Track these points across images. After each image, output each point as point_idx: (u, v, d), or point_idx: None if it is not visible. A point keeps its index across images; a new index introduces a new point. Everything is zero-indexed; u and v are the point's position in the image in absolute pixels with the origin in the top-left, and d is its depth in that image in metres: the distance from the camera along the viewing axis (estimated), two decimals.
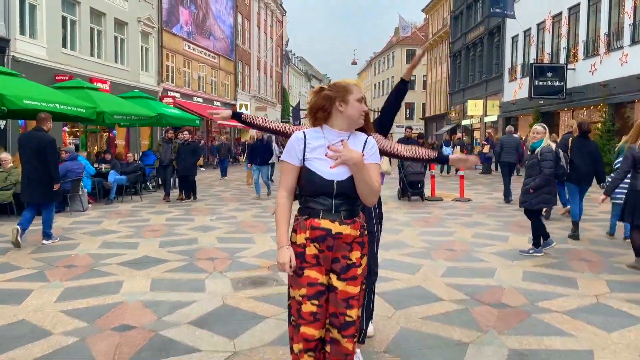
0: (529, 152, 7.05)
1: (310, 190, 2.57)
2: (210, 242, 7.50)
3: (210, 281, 5.45)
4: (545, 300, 4.81)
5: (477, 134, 36.86)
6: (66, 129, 19.01)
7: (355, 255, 2.60)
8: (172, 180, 13.90)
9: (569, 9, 24.32)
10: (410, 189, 12.67)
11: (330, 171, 2.53)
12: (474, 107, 34.50)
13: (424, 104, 56.47)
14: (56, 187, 7.44)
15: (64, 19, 19.41)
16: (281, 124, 3.59)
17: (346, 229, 2.58)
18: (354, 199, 2.60)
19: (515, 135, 14.03)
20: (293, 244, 2.61)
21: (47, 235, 7.55)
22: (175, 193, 13.58)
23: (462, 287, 5.21)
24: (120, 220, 9.55)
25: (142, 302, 4.74)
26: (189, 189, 12.89)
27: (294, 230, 2.63)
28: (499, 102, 32.04)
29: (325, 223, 2.58)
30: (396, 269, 5.88)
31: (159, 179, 14.36)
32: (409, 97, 63.62)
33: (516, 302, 4.73)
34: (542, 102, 25.18)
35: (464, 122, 39.14)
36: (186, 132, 13.35)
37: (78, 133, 20.23)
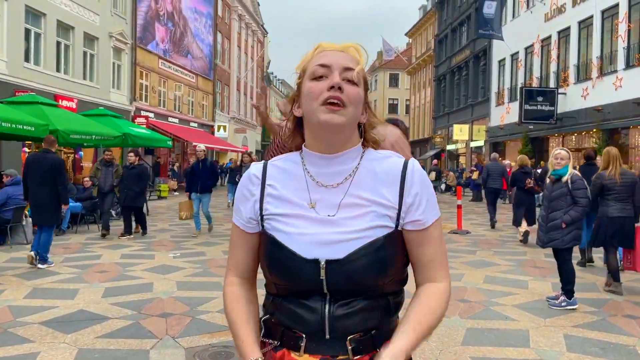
0: (548, 181, 5.88)
1: (278, 282, 1.28)
2: (168, 290, 6.09)
3: (157, 353, 4.06)
4: None
5: (462, 160, 36.01)
6: (26, 149, 17.45)
7: None
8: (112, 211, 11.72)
9: (559, 33, 23.71)
10: None
11: (316, 238, 1.23)
12: (460, 131, 33.67)
13: (407, 128, 55.78)
14: (64, 207, 7.67)
15: (27, 31, 18.00)
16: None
17: None
18: (375, 298, 1.25)
19: (506, 162, 13.45)
20: None
21: (43, 259, 7.30)
22: (118, 227, 10.91)
23: None
24: (65, 258, 8.06)
25: None
26: (130, 222, 10.44)
27: None
28: (486, 127, 31.25)
29: None
30: None
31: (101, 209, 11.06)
32: None
33: None
34: (531, 127, 24.38)
35: (449, 147, 38.33)
36: (131, 154, 10.80)
37: (128, 157, 18.65)
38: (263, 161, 1.38)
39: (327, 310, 1.22)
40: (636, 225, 6.24)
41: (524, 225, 10.10)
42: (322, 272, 1.21)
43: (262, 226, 1.29)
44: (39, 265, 7.20)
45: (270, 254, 1.26)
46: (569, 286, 5.53)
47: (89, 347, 4.17)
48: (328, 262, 1.21)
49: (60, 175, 7.29)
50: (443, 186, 26.80)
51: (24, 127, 9.97)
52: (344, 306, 1.22)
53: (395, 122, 2.79)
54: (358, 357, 1.24)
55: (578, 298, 5.64)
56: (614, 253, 6.29)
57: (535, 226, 9.77)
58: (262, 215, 1.29)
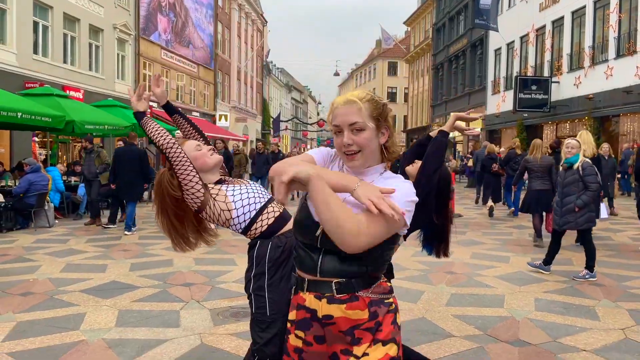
0: (561, 169, 6.51)
1: (296, 226, 1.87)
2: (187, 265, 6.81)
3: (187, 313, 4.77)
4: (568, 335, 4.25)
5: (459, 147, 36.66)
6: (36, 139, 18.09)
7: (361, 349, 1.74)
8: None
9: (553, 22, 24.27)
10: None
11: None
12: None
13: (405, 117, 56.36)
14: (145, 186, 10.05)
15: (35, 24, 18.56)
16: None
17: (338, 310, 1.75)
18: (357, 259, 1.71)
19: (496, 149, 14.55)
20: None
21: (128, 227, 9.25)
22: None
23: (471, 319, 4.62)
24: (88, 239, 8.78)
25: (106, 341, 4.06)
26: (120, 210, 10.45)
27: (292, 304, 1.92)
28: (482, 115, 31.85)
29: (309, 300, 1.80)
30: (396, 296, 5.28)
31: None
32: (391, 109, 63.69)
33: (536, 339, 4.16)
34: (526, 115, 25.01)
35: None
36: (120, 142, 10.65)
37: (49, 144, 19.30)
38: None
39: (319, 259, 1.76)
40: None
41: (489, 203, 12.08)
42: (319, 233, 1.73)
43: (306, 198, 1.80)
44: (125, 232, 9.16)
45: (302, 204, 1.83)
46: (591, 262, 6.18)
47: (127, 309, 4.88)
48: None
49: (145, 162, 9.67)
50: None
51: (42, 119, 10.59)
52: (330, 257, 1.74)
53: None
54: (340, 295, 1.74)
55: (553, 270, 6.38)
56: (537, 217, 8.36)
57: (500, 203, 12.53)
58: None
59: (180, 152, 2.47)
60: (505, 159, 12.22)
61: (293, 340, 1.84)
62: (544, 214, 8.59)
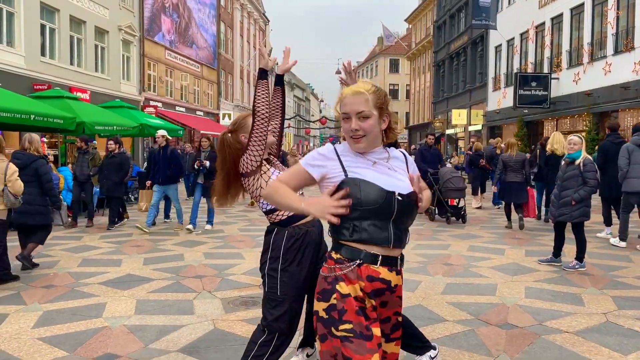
0: (563, 163, 6.81)
1: (364, 207, 1.97)
2: (197, 259, 7.17)
3: (199, 302, 5.13)
4: (553, 319, 4.59)
5: (461, 143, 36.94)
6: (45, 139, 18.47)
7: (399, 308, 2.18)
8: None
9: (552, 19, 24.51)
10: (450, 208, 10.63)
11: (387, 180, 2.04)
12: (458, 116, 34.57)
13: (407, 113, 56.63)
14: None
15: (42, 27, 18.95)
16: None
17: (400, 280, 2.12)
18: (406, 231, 2.13)
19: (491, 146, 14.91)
20: (345, 296, 1.99)
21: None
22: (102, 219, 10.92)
23: (465, 306, 4.97)
24: (101, 236, 9.16)
25: (127, 327, 4.42)
26: (113, 213, 10.17)
27: (340, 279, 2.02)
28: (483, 112, 32.15)
29: (384, 273, 2.04)
30: None
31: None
32: (393, 106, 63.71)
33: (523, 322, 4.50)
34: (526, 111, 25.28)
35: (448, 132, 39.24)
36: (111, 142, 10.37)
37: (57, 144, 19.69)
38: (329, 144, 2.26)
39: (391, 232, 2.02)
40: (528, 187, 9.94)
41: (478, 196, 13.48)
42: (395, 201, 2.00)
43: (346, 175, 2.02)
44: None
45: (360, 187, 1.98)
46: (581, 254, 6.51)
47: (144, 299, 5.24)
48: (399, 194, 2.02)
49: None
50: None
51: (54, 120, 10.95)
52: (400, 229, 2.06)
53: None
54: (401, 267, 2.11)
55: (544, 262, 6.72)
56: (509, 205, 10.02)
57: (486, 194, 13.76)
58: (344, 169, 2.04)
59: (264, 125, 2.93)
60: (488, 156, 13.33)
61: (370, 304, 2.02)
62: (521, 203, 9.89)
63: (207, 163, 9.42)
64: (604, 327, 4.41)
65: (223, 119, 35.39)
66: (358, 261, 2.01)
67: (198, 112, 33.03)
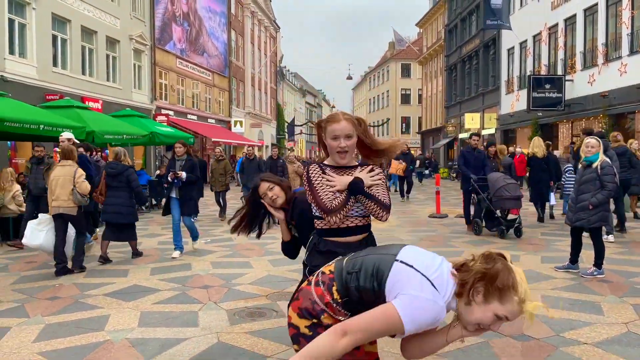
0: (580, 166, 6.61)
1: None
2: (205, 268, 7.06)
3: (204, 313, 5.01)
4: (571, 329, 4.39)
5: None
6: (57, 149, 18.56)
7: None
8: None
9: (565, 20, 24.20)
10: (504, 220, 9.42)
11: None
12: (471, 120, 34.24)
13: (420, 118, 56.37)
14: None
15: (54, 37, 19.08)
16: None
17: None
18: None
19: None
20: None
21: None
22: None
23: None
24: (109, 245, 9.07)
25: (129, 340, 4.30)
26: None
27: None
28: (497, 115, 31.82)
29: None
30: None
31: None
32: (405, 111, 63.77)
33: (540, 333, 4.31)
34: (540, 114, 24.97)
35: (461, 136, 38.87)
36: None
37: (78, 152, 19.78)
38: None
39: None
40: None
41: None
42: None
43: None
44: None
45: None
46: (599, 260, 6.28)
47: (148, 310, 5.13)
48: None
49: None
50: (427, 171, 32.95)
51: (64, 130, 10.95)
52: None
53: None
54: None
55: (561, 269, 6.50)
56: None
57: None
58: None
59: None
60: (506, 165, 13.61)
61: None
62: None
63: (183, 175, 7.78)
64: (625, 337, 4.21)
65: (235, 126, 35.46)
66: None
67: (210, 120, 33.10)
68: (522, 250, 8.05)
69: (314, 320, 2.02)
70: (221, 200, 13.09)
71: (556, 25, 24.94)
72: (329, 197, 2.63)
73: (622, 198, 9.47)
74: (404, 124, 64.24)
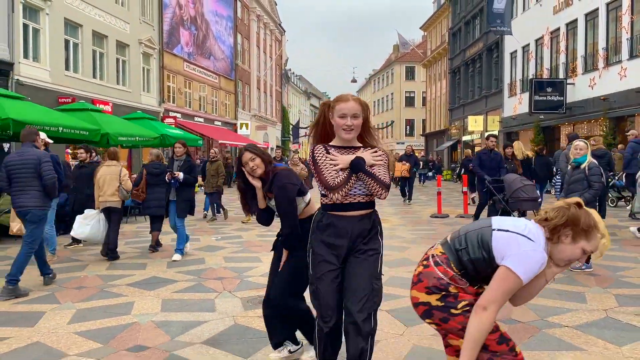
0: (569, 167, 7.02)
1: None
2: (217, 262, 7.53)
3: (220, 301, 5.47)
4: (555, 315, 4.83)
5: (478, 149, 36.95)
6: (69, 150, 19.10)
7: None
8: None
9: (567, 25, 24.59)
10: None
11: None
12: (475, 122, 34.67)
13: (424, 120, 56.77)
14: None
15: (66, 42, 19.67)
16: None
17: None
18: None
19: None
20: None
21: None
22: None
23: None
24: (125, 242, 9.57)
25: (154, 322, 4.76)
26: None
27: (455, 293, 2.55)
28: (500, 118, 32.22)
29: None
30: (404, 286, 5.89)
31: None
32: (409, 113, 64.18)
33: (525, 317, 4.74)
34: (542, 117, 25.35)
35: (465, 138, 39.29)
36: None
37: (79, 155, 20.30)
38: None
39: None
40: None
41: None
42: None
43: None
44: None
45: None
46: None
47: (169, 298, 5.59)
48: None
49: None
50: (431, 173, 34.34)
51: (80, 132, 11.45)
52: None
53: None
54: None
55: None
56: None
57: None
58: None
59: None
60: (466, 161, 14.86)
61: None
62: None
63: (181, 175, 7.57)
64: (602, 322, 4.64)
65: (240, 128, 35.97)
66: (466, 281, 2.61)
67: (216, 122, 33.64)
68: None
69: (443, 293, 2.52)
70: (214, 203, 12.93)
71: (558, 29, 25.33)
72: (332, 176, 2.91)
73: (605, 197, 10.29)
74: (408, 126, 64.69)
